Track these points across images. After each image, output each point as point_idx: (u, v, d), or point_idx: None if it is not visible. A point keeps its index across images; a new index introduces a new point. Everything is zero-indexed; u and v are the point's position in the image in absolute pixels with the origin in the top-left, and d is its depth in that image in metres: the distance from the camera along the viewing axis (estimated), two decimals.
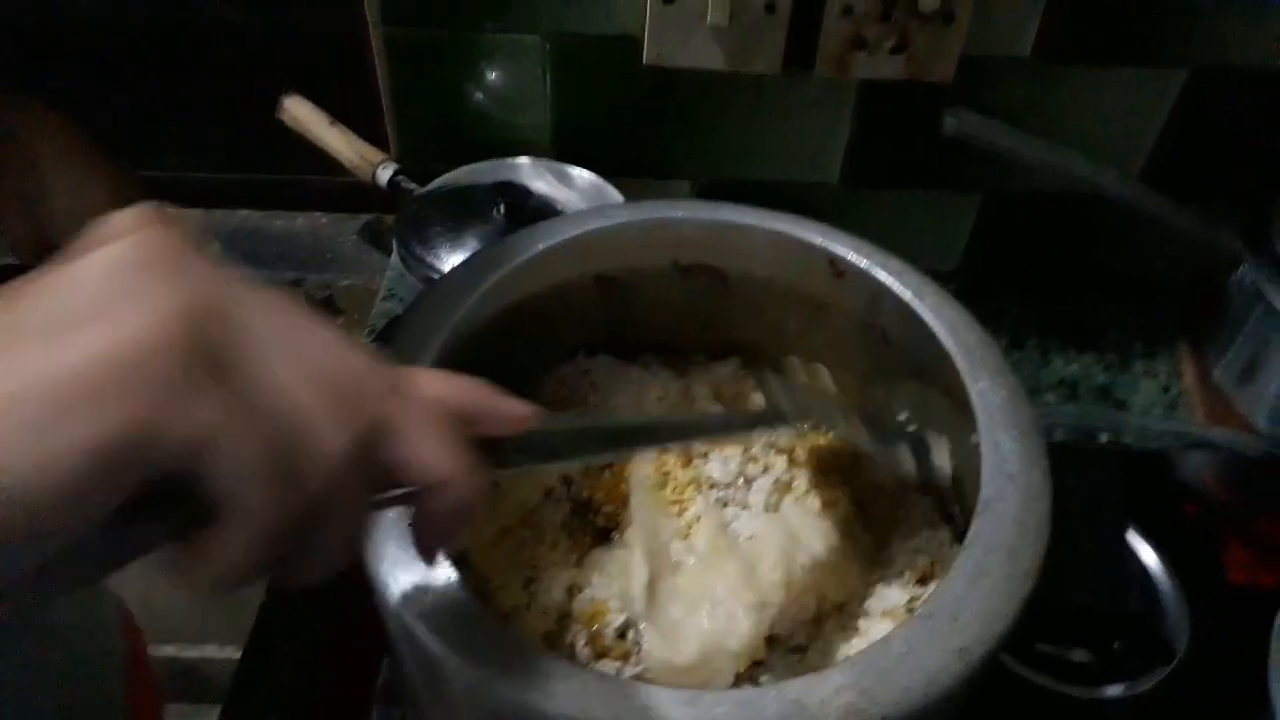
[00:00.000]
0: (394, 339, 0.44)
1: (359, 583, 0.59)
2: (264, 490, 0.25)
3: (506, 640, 0.34)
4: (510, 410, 0.32)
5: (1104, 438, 0.72)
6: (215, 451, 0.24)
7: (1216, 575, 0.60)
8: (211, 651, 1.28)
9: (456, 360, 0.44)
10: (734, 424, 0.48)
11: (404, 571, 0.36)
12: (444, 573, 0.35)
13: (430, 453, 0.28)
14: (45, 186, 0.48)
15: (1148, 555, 0.60)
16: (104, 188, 0.50)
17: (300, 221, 0.93)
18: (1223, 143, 0.77)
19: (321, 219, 0.93)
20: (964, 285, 0.51)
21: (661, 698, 0.32)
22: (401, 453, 0.28)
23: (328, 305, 0.50)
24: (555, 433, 0.34)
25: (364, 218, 0.92)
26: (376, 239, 0.91)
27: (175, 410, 0.23)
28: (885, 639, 0.34)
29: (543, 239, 0.50)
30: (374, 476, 0.28)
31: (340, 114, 0.81)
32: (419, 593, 0.35)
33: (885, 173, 0.80)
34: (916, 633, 0.34)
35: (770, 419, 0.43)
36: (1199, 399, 0.75)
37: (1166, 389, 0.77)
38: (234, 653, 1.30)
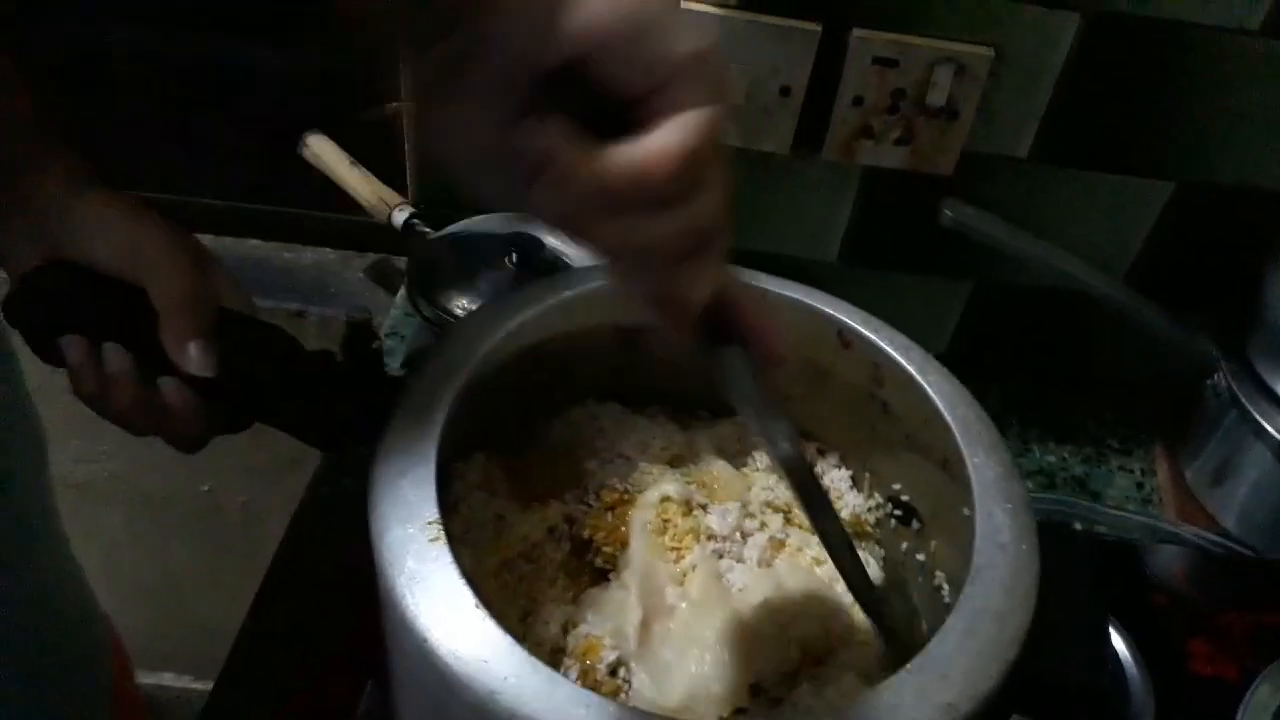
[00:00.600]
0: (423, 368, 0.46)
1: (336, 616, 0.60)
2: None
3: (521, 658, 0.35)
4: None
5: (1078, 526, 0.75)
6: None
7: (1181, 665, 0.62)
8: (169, 679, 1.27)
9: (479, 391, 0.45)
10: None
11: (420, 586, 0.37)
12: (461, 591, 0.37)
13: None
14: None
15: (1117, 641, 0.62)
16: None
17: (308, 255, 0.95)
18: (1204, 253, 0.81)
19: (329, 254, 0.95)
20: (951, 369, 0.53)
21: None
22: None
23: (366, 328, 0.52)
24: None
25: (371, 257, 0.94)
26: (382, 278, 0.93)
27: None
28: (875, 690, 0.36)
29: (567, 286, 0.52)
30: None
31: (361, 156, 0.83)
32: (432, 603, 0.37)
33: (882, 255, 0.83)
34: (906, 686, 0.36)
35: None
36: (1171, 497, 0.78)
37: (1140, 485, 0.79)
38: (191, 682, 1.29)
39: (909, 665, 0.37)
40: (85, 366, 0.46)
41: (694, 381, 0.58)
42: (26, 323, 0.49)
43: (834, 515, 0.39)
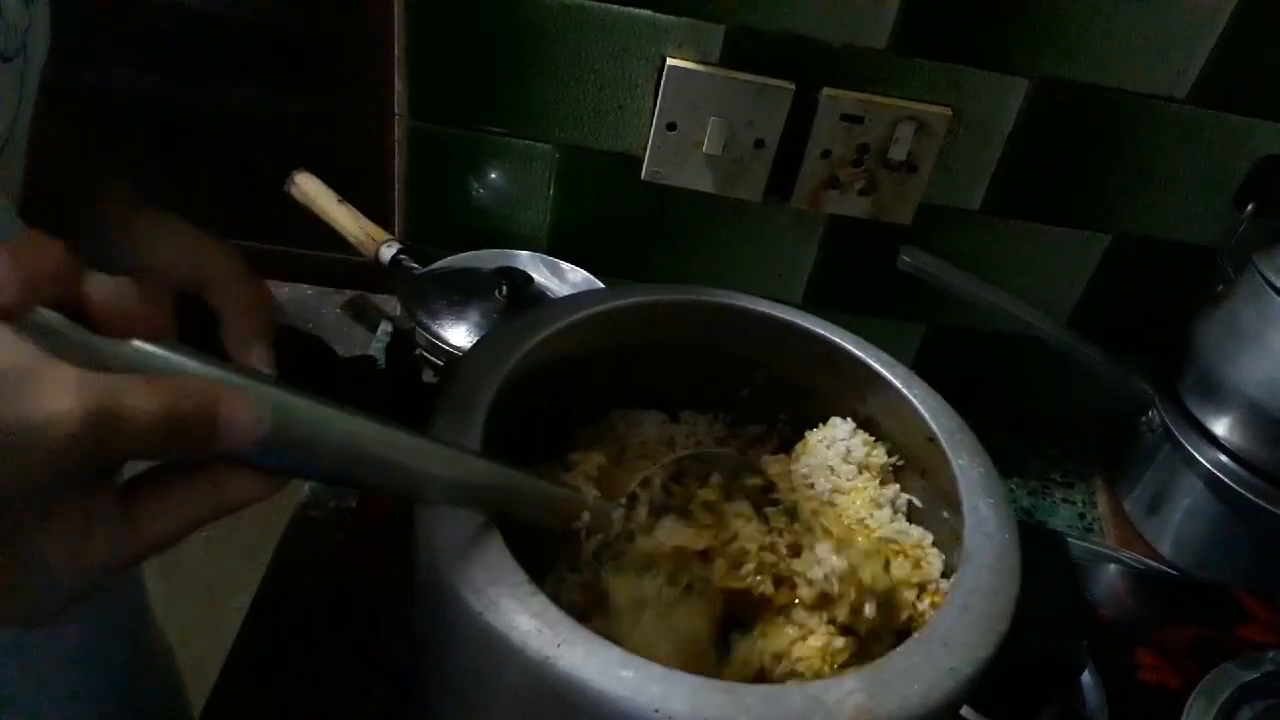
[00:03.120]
0: (454, 377, 0.48)
1: (328, 637, 0.61)
2: None
3: (570, 626, 0.38)
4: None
5: None
6: None
7: (1131, 674, 0.67)
8: None
9: (502, 406, 0.48)
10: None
11: (472, 565, 0.40)
12: (510, 567, 0.39)
13: None
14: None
15: None
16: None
17: (285, 291, 0.97)
18: (1139, 300, 0.88)
19: (307, 290, 0.97)
20: None
21: (703, 684, 0.37)
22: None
23: (408, 337, 0.54)
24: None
25: (349, 293, 0.97)
26: (360, 314, 0.95)
27: None
28: (889, 656, 0.40)
29: (585, 307, 0.55)
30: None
31: (343, 193, 0.86)
32: (486, 579, 0.39)
33: (844, 298, 0.89)
34: (915, 652, 0.40)
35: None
36: (1111, 525, 0.84)
37: (1083, 515, 0.85)
38: None
39: (916, 635, 0.41)
40: None
41: (685, 394, 0.62)
42: None
43: None
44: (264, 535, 0.74)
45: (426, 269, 0.82)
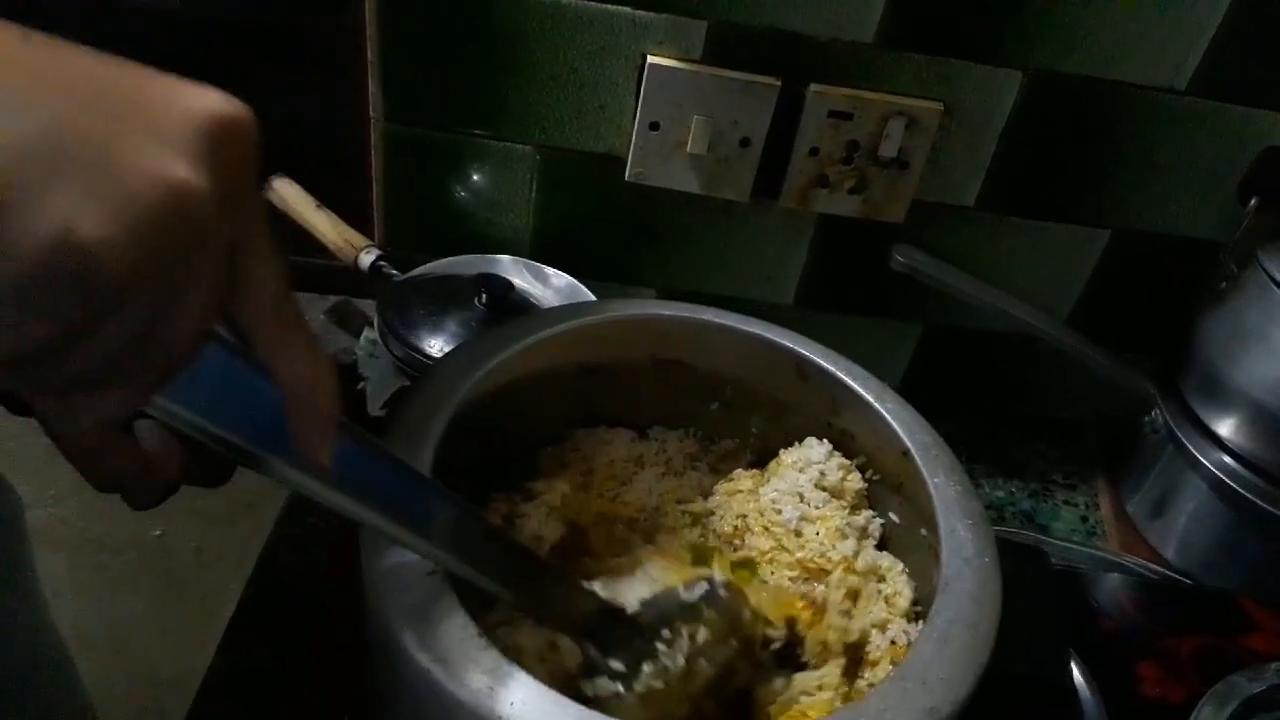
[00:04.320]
0: (404, 409, 0.47)
1: (307, 654, 0.60)
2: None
3: (526, 682, 0.36)
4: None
5: None
6: None
7: (1132, 688, 0.65)
8: None
9: (459, 431, 0.46)
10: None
11: (420, 619, 0.38)
12: (461, 620, 0.37)
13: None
14: None
15: (1071, 665, 0.64)
16: None
17: None
18: (1141, 298, 0.85)
19: None
20: None
21: None
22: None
23: (349, 371, 0.52)
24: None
25: (332, 299, 0.95)
26: (343, 320, 0.93)
27: None
28: (864, 699, 0.38)
29: (539, 329, 0.54)
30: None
31: (324, 199, 0.84)
32: (434, 634, 0.37)
33: (835, 298, 0.86)
34: (891, 693, 0.38)
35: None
36: (1114, 529, 0.81)
37: (1085, 518, 0.83)
38: None
39: (891, 674, 0.38)
40: (52, 410, 0.46)
41: (656, 411, 0.60)
42: None
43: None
44: (253, 547, 0.73)
45: (406, 276, 0.80)
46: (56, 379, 0.27)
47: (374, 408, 0.77)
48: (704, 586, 0.44)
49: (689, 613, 0.43)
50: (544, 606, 0.41)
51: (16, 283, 0.24)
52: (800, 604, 0.47)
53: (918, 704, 0.37)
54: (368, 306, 0.93)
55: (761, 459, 0.57)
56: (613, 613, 0.43)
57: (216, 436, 0.32)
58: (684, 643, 0.42)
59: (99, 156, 0.26)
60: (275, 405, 0.32)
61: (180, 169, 0.27)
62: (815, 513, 0.50)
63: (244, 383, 0.32)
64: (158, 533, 1.04)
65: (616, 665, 0.40)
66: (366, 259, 0.82)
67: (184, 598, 1.08)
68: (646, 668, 0.41)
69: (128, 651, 1.15)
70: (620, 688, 0.40)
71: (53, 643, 0.72)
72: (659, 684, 0.41)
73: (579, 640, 0.41)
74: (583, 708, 0.35)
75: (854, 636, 0.45)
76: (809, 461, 0.53)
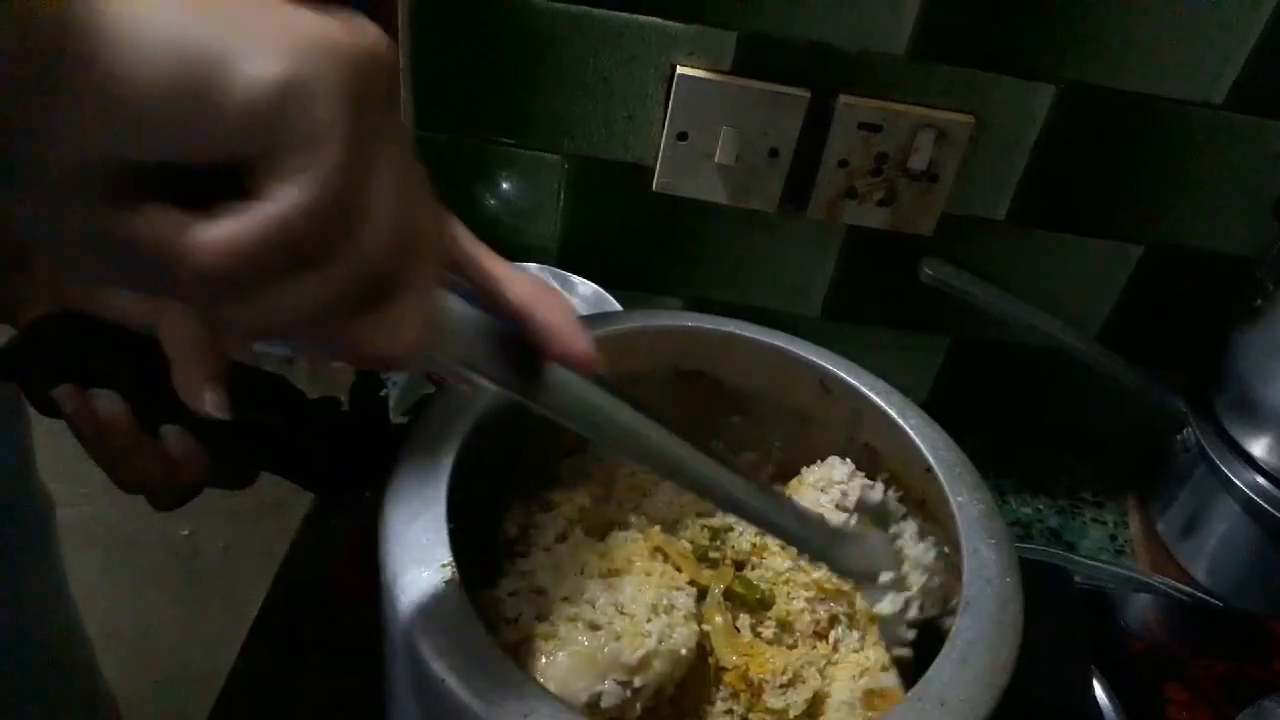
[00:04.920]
0: (427, 415, 0.47)
1: (329, 657, 0.61)
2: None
3: (539, 695, 0.36)
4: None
5: None
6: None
7: (1159, 712, 0.64)
8: None
9: (480, 439, 0.47)
10: (776, 521, 0.46)
11: (437, 627, 0.38)
12: (477, 632, 0.38)
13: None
14: None
15: (1096, 687, 0.64)
16: None
17: None
18: (1174, 314, 0.84)
19: None
20: None
21: None
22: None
23: (373, 377, 0.53)
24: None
25: None
26: None
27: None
28: (883, 718, 0.37)
29: None
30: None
31: None
32: (449, 644, 0.37)
33: (863, 310, 0.86)
34: (909, 714, 0.37)
35: (808, 542, 0.46)
36: (1143, 548, 0.80)
37: (1114, 537, 0.82)
38: None
39: (909, 694, 0.38)
40: (80, 413, 0.46)
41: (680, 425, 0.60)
42: (26, 373, 0.48)
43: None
44: (280, 547, 0.73)
45: None
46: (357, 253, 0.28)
47: (397, 414, 0.78)
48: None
49: None
50: None
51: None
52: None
53: None
54: None
55: (783, 473, 0.57)
56: None
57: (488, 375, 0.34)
58: None
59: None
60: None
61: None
62: None
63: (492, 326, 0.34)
64: (186, 532, 1.05)
65: None
66: None
67: (211, 597, 1.09)
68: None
69: (155, 649, 1.16)
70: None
71: (79, 641, 0.73)
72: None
73: None
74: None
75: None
76: (831, 481, 0.53)
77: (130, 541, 1.07)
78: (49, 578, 0.69)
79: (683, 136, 0.76)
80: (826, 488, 0.52)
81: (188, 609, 1.12)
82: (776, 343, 0.57)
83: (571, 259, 0.84)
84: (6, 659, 0.63)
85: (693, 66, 0.74)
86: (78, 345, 0.47)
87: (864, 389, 0.53)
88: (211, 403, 0.43)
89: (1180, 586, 0.76)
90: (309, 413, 0.48)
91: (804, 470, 0.54)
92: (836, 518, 0.50)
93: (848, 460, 0.54)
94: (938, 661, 0.39)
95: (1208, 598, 0.76)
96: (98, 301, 0.46)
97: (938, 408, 0.89)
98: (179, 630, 1.13)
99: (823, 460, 0.54)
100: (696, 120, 0.76)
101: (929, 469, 0.49)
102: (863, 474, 0.54)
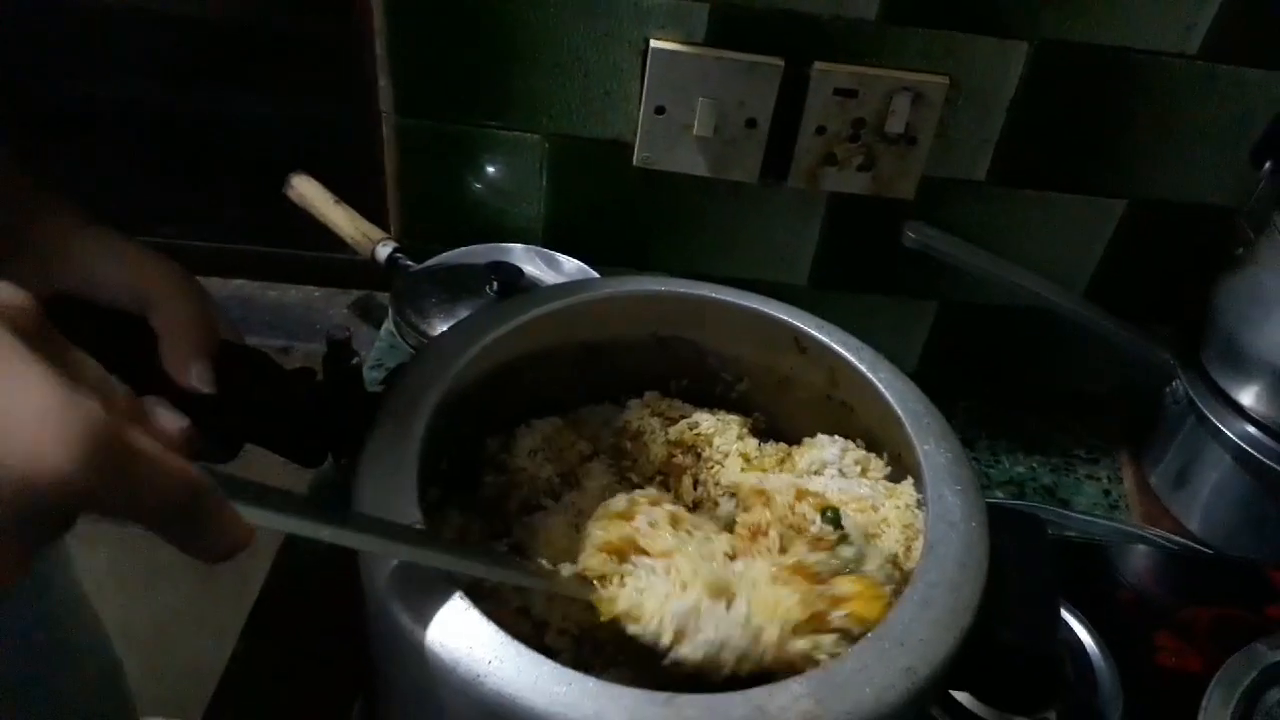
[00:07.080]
0: (400, 382, 0.48)
1: (325, 646, 0.62)
2: None
3: (504, 642, 0.37)
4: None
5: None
6: None
7: (1148, 658, 0.64)
8: None
9: (450, 409, 0.47)
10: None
11: (406, 582, 0.39)
12: (443, 584, 0.38)
13: None
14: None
15: (1085, 635, 0.64)
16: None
17: (293, 293, 0.97)
18: (1158, 267, 0.84)
19: (314, 292, 0.97)
20: (920, 386, 0.54)
21: (639, 697, 0.35)
22: None
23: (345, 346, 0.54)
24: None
25: (355, 293, 0.97)
26: (366, 313, 0.95)
27: None
28: (839, 657, 0.38)
29: (533, 306, 0.54)
30: None
31: (343, 194, 0.86)
32: (418, 597, 0.38)
33: (850, 278, 0.86)
34: (868, 652, 0.38)
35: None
36: (1136, 501, 0.80)
37: (1108, 492, 0.82)
38: None
39: (870, 634, 0.39)
40: None
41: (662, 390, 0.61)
42: None
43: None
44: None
45: (420, 266, 0.82)
46: None
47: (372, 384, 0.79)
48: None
49: None
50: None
51: None
52: None
53: (895, 664, 0.37)
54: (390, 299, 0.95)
55: (765, 435, 0.57)
56: None
57: None
58: None
59: None
60: None
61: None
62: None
63: None
64: None
65: None
66: (383, 252, 0.84)
67: (220, 590, 1.10)
68: None
69: (168, 644, 1.18)
70: None
71: (104, 648, 0.74)
72: None
73: None
74: (555, 664, 0.36)
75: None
76: (824, 463, 0.53)
77: (138, 538, 1.08)
78: (72, 588, 0.71)
79: (660, 110, 0.77)
80: (820, 469, 0.52)
81: (198, 603, 1.13)
82: (752, 305, 0.57)
83: (557, 238, 0.85)
84: (44, 679, 0.64)
85: (667, 40, 0.74)
86: (68, 328, 0.48)
87: (836, 345, 0.54)
88: (199, 378, 0.45)
89: (1173, 537, 0.76)
90: (287, 384, 0.49)
91: (795, 454, 0.55)
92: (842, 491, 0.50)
93: (836, 438, 0.55)
94: (899, 603, 0.40)
95: (1200, 547, 0.76)
96: (90, 285, 0.48)
97: (929, 371, 0.90)
98: (190, 624, 1.14)
99: (811, 437, 0.55)
100: (673, 93, 0.76)
101: (899, 420, 0.49)
102: (851, 442, 0.54)
